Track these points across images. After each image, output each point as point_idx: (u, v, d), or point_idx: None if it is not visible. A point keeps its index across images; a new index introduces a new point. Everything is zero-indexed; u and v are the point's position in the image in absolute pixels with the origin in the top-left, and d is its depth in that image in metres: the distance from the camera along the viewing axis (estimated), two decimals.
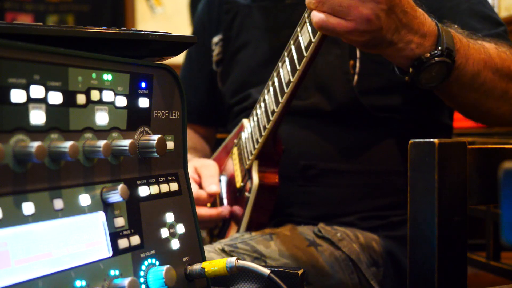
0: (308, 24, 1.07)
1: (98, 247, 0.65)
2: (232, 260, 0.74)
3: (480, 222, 2.15)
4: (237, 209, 1.34)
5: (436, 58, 1.03)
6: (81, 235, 0.63)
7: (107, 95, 0.68)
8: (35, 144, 0.56)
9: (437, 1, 1.25)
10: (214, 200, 1.50)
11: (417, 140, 0.82)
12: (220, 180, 1.48)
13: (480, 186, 0.86)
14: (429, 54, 1.03)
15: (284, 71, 1.15)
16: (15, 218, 0.56)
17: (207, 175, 1.39)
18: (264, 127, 1.22)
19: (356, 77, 1.31)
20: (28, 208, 0.58)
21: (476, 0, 1.26)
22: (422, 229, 0.81)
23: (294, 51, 1.11)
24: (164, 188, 0.76)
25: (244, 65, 1.49)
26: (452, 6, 1.12)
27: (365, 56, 1.31)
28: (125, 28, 0.71)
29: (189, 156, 1.30)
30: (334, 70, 1.32)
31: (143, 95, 0.73)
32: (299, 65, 1.09)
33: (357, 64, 1.31)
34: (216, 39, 1.57)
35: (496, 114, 1.20)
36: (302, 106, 1.33)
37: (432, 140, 0.80)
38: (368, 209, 1.33)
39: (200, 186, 1.39)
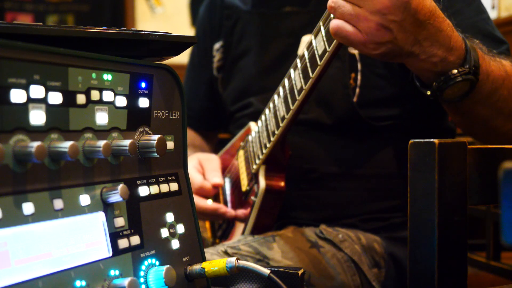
0: (323, 32, 1.06)
1: (98, 247, 0.65)
2: (232, 260, 0.74)
3: (480, 222, 2.15)
4: (242, 212, 1.34)
5: (463, 76, 1.02)
6: (81, 235, 0.63)
7: (107, 95, 0.68)
8: (35, 144, 0.56)
9: None
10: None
11: (417, 140, 0.82)
12: (224, 179, 1.48)
13: (480, 186, 0.86)
14: (456, 71, 1.02)
15: (296, 78, 1.15)
16: (15, 218, 0.56)
17: (210, 168, 1.41)
18: (273, 133, 1.22)
19: (357, 90, 1.30)
20: (28, 208, 0.58)
21: (479, 17, 1.25)
22: (422, 229, 0.81)
23: (307, 59, 1.11)
24: (164, 188, 0.76)
25: (245, 73, 1.49)
26: (456, 23, 1.12)
27: (367, 69, 1.30)
28: (125, 28, 0.71)
29: (189, 152, 1.31)
30: (334, 83, 1.31)
31: (143, 95, 0.73)
32: (313, 73, 1.09)
33: (359, 77, 1.30)
34: (217, 45, 1.57)
35: (500, 132, 1.19)
36: (303, 119, 1.33)
37: (432, 140, 0.80)
38: (370, 212, 1.33)
39: (204, 178, 1.39)
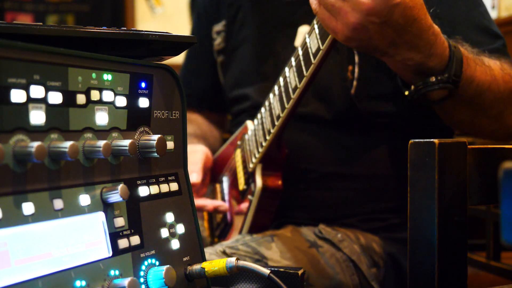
0: (316, 30, 1.07)
1: (98, 247, 0.65)
2: (232, 260, 0.74)
3: (480, 222, 2.15)
4: (239, 211, 1.35)
5: (441, 84, 1.03)
6: (81, 235, 0.63)
7: (107, 95, 0.68)
8: (35, 144, 0.56)
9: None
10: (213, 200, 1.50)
11: (417, 140, 0.82)
12: (217, 177, 1.48)
13: (480, 186, 0.86)
14: (434, 79, 1.03)
15: (291, 76, 1.15)
16: (15, 218, 0.56)
17: (191, 161, 1.39)
18: (269, 131, 1.22)
19: (355, 82, 1.29)
20: (28, 208, 0.58)
21: (475, 11, 1.24)
22: (422, 229, 0.81)
23: (301, 57, 1.11)
24: (164, 188, 0.76)
25: (243, 61, 1.49)
26: (452, 18, 1.10)
27: (364, 62, 1.30)
28: (125, 28, 0.71)
29: (190, 143, 1.28)
30: (333, 76, 1.31)
31: (143, 95, 0.73)
32: (306, 71, 1.09)
33: (356, 70, 1.30)
34: (217, 27, 1.56)
35: (486, 131, 1.20)
36: (302, 113, 1.32)
37: (432, 140, 0.80)
38: (368, 212, 1.33)
39: None
